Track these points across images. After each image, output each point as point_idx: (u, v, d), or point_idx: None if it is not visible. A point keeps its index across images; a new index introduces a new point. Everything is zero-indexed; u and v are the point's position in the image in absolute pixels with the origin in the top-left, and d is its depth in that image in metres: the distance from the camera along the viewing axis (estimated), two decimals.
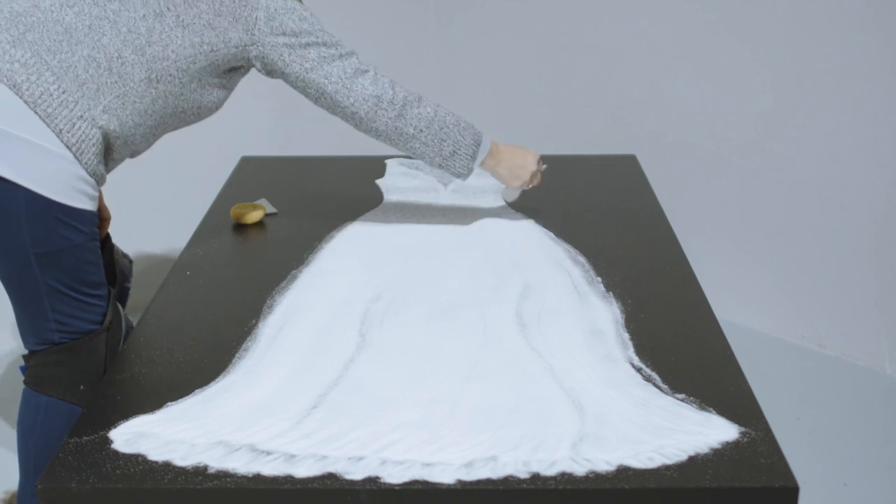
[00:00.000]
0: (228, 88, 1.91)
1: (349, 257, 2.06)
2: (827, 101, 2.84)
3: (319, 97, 1.91)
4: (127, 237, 3.21)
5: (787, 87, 2.91)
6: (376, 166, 2.60)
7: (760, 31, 2.94)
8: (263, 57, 1.86)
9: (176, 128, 1.90)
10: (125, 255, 2.09)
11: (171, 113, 1.82)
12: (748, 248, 3.12)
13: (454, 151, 1.99)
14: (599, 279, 1.94)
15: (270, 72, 1.90)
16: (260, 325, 1.78)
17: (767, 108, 2.97)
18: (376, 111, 1.91)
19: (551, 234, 2.15)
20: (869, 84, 2.75)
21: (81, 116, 1.68)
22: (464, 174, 2.04)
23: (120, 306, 1.92)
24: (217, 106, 1.92)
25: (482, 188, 2.43)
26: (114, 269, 1.99)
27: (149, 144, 1.87)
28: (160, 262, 3.24)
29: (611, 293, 1.88)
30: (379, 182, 2.50)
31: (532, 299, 1.86)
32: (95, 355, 1.81)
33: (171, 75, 1.76)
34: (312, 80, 1.89)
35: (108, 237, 2.02)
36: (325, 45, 1.88)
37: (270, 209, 2.31)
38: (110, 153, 1.78)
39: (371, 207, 2.32)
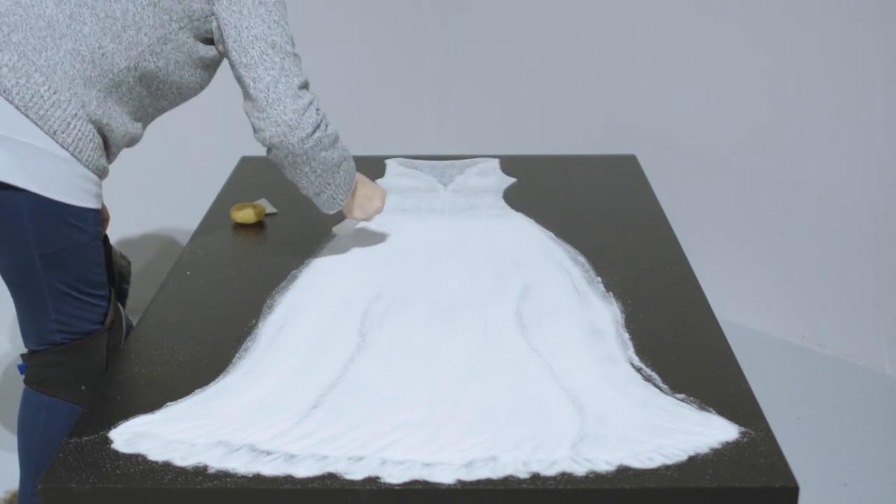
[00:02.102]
0: (210, 68, 1.88)
1: (349, 257, 2.06)
2: (827, 100, 2.84)
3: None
4: (127, 237, 3.23)
5: (787, 87, 2.91)
6: (376, 166, 2.60)
7: (760, 31, 2.94)
8: (218, 29, 1.78)
9: (164, 110, 1.87)
10: (123, 257, 2.09)
11: (149, 95, 1.80)
12: (748, 248, 3.12)
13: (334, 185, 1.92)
14: (599, 279, 1.94)
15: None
16: (260, 325, 1.78)
17: (767, 107, 2.97)
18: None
19: (551, 234, 2.15)
20: (869, 84, 2.75)
21: (75, 115, 1.67)
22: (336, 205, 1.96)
23: (120, 306, 1.92)
24: (200, 86, 1.88)
25: (482, 188, 2.43)
26: (112, 271, 1.99)
27: (141, 131, 1.85)
28: (160, 262, 3.23)
29: (611, 293, 1.88)
30: (379, 182, 2.49)
31: (532, 299, 1.86)
32: (97, 355, 1.81)
33: (146, 60, 1.75)
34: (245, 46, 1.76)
35: (105, 238, 2.02)
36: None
37: (270, 209, 2.31)
38: (108, 146, 1.78)
39: None
